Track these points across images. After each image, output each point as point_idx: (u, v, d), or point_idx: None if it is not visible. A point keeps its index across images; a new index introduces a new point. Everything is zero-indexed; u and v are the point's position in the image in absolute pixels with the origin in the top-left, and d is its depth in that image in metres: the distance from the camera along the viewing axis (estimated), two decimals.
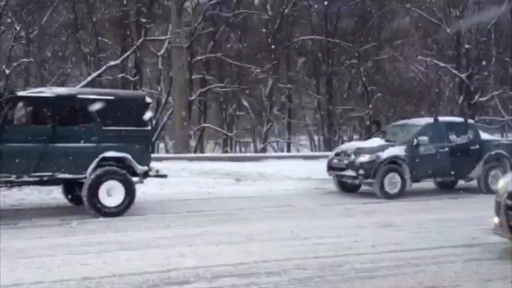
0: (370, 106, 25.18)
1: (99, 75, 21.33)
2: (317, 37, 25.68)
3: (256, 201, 10.48)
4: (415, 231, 7.48)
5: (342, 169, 11.34)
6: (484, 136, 12.36)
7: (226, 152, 25.52)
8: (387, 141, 11.64)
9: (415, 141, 11.26)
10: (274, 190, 11.99)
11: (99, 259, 5.80)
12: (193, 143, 22.64)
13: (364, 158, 10.97)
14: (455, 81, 26.19)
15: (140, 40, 21.81)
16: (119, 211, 8.62)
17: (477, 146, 11.88)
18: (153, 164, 9.61)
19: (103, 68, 21.08)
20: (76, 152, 8.48)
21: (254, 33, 26.59)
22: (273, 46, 24.74)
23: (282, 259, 5.82)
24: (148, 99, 9.51)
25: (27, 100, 8.64)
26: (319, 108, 27.32)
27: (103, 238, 7.00)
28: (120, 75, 22.84)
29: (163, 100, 24.08)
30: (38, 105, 8.67)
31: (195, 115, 25.95)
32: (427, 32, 25.87)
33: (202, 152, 24.23)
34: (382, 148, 11.16)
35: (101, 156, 8.57)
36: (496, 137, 14.76)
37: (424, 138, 11.27)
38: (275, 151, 27.82)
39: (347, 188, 11.92)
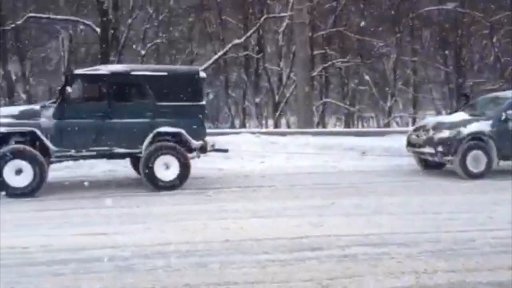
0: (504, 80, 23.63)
1: (224, 53, 22.17)
2: (444, 7, 24.43)
3: (381, 175, 10.43)
4: None
5: (421, 146, 10.67)
6: None
7: (348, 127, 25.42)
8: (472, 115, 10.69)
9: (503, 116, 10.20)
10: (400, 165, 11.79)
11: (236, 225, 6.24)
12: (315, 118, 22.80)
13: (444, 133, 10.22)
14: None
15: (263, 18, 22.23)
16: (174, 185, 8.83)
17: None
18: (213, 139, 9.90)
19: (228, 46, 21.85)
20: (131, 128, 8.76)
21: (377, 5, 25.88)
22: (396, 18, 23.98)
23: (412, 232, 5.86)
24: (202, 74, 9.56)
25: (84, 78, 8.99)
26: (447, 82, 26.19)
27: (237, 206, 7.44)
28: (244, 53, 23.56)
29: (285, 76, 24.45)
30: (94, 83, 9.02)
31: (317, 91, 26.03)
32: None
33: (324, 127, 24.33)
34: (465, 123, 10.30)
35: (155, 131, 8.85)
36: None
37: None
38: (399, 126, 27.20)
39: (430, 165, 11.17)
